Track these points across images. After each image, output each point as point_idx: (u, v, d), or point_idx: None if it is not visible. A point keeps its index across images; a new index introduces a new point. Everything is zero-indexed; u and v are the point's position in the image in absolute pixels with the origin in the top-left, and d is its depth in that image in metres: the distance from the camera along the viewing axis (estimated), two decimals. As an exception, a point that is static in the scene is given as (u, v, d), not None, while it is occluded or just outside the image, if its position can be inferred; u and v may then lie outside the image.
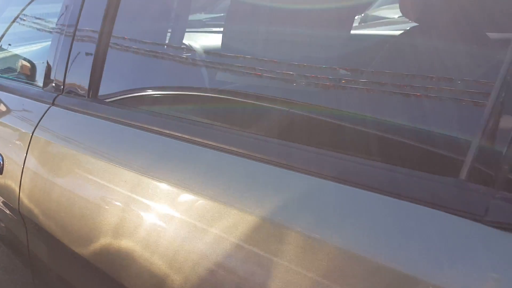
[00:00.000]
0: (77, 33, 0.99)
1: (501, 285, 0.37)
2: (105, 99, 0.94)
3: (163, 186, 0.66)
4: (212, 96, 0.88)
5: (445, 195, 0.43)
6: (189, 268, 0.60)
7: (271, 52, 0.80)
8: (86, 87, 0.94)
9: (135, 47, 0.95)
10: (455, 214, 0.42)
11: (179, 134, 0.70)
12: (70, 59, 1.00)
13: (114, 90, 0.97)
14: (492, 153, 0.42)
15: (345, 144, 0.61)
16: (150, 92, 0.94)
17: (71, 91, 0.98)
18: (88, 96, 0.94)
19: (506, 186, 0.41)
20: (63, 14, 1.05)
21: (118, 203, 0.72)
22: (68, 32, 1.01)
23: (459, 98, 0.56)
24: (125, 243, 0.69)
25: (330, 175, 0.51)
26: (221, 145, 0.63)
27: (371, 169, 0.50)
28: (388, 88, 0.61)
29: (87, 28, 0.98)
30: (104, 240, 0.73)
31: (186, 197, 0.63)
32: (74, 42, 0.99)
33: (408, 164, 0.49)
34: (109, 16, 0.93)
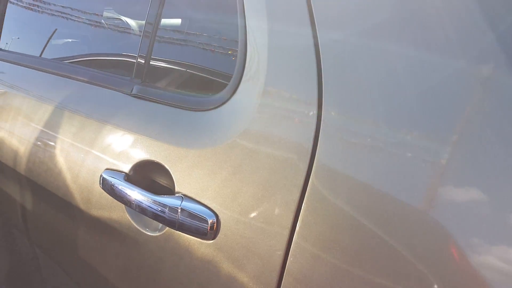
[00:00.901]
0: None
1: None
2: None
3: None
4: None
5: (124, 85, 0.83)
6: (24, 149, 1.00)
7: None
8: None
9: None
10: (123, 93, 0.82)
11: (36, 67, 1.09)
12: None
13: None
14: (146, 63, 0.82)
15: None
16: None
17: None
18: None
19: (145, 78, 0.82)
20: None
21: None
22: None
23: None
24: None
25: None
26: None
27: (99, 74, 0.90)
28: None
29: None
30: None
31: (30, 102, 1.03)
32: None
33: (116, 72, 0.89)
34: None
